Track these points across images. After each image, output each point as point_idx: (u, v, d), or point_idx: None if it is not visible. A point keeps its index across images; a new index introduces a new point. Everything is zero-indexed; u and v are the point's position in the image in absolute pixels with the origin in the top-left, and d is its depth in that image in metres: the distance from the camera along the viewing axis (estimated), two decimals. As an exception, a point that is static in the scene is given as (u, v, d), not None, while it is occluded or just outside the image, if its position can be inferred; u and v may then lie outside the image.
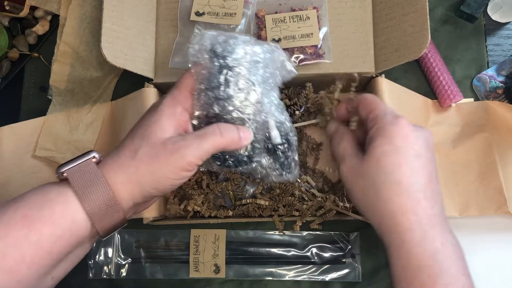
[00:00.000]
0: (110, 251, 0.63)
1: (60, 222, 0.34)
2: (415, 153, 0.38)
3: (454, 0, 0.66)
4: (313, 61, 0.57)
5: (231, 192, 0.58)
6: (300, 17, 0.57)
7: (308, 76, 0.57)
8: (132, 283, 0.63)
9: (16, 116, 0.66)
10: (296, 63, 0.57)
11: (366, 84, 0.60)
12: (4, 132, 0.63)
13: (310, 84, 0.58)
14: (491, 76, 0.64)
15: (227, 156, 0.42)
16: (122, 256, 0.63)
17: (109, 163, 0.37)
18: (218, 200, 0.59)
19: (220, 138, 0.38)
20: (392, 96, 0.56)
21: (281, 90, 0.59)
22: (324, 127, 0.55)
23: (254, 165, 0.44)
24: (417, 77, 0.64)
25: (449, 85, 0.61)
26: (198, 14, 0.58)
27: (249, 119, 0.40)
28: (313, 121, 0.58)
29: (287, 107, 0.58)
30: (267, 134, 0.44)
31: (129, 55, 0.55)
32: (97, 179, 0.35)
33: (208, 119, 0.41)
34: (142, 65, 0.57)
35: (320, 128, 0.61)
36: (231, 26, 0.58)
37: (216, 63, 0.39)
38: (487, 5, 0.64)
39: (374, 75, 0.56)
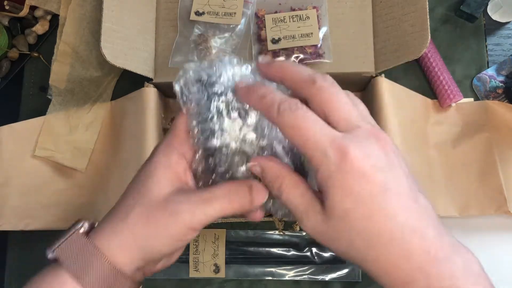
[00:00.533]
0: (110, 251, 0.63)
1: None
2: (382, 188, 0.28)
3: (454, 0, 0.66)
4: (313, 61, 0.57)
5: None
6: (300, 16, 0.57)
7: (308, 76, 0.57)
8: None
9: (16, 115, 0.66)
10: (296, 63, 0.57)
11: (366, 84, 0.60)
12: (3, 132, 0.63)
13: None
14: (491, 76, 0.64)
15: None
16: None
17: (101, 230, 0.33)
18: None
19: (228, 205, 0.32)
20: (392, 96, 0.56)
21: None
22: None
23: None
24: (417, 77, 0.64)
25: (449, 85, 0.61)
26: (198, 13, 0.58)
27: (252, 150, 0.35)
28: None
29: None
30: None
31: (129, 55, 0.55)
32: (89, 251, 0.31)
33: (208, 161, 0.35)
34: (142, 65, 0.57)
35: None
36: (231, 26, 0.58)
37: (204, 92, 0.35)
38: (487, 5, 0.64)
39: (374, 75, 0.56)
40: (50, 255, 0.32)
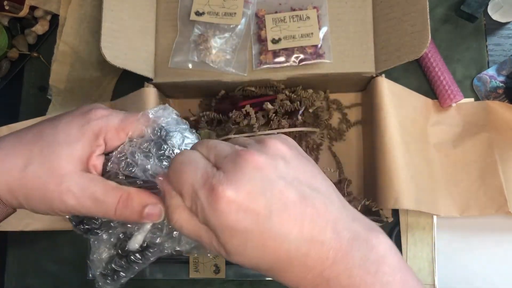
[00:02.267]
0: (110, 251, 0.63)
1: None
2: (265, 212, 0.27)
3: (454, 0, 0.66)
4: (313, 61, 0.57)
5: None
6: (300, 16, 0.57)
7: (308, 76, 0.57)
8: (132, 283, 0.62)
9: (16, 116, 0.66)
10: (296, 63, 0.57)
11: (366, 84, 0.60)
12: (3, 132, 0.62)
13: (311, 90, 0.58)
14: (492, 76, 0.64)
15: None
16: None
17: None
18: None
19: (113, 216, 0.32)
20: (392, 96, 0.56)
21: (281, 90, 0.59)
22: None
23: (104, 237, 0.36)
24: (417, 77, 0.64)
25: (449, 85, 0.61)
26: (198, 13, 0.58)
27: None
28: (312, 129, 0.58)
29: (289, 113, 0.58)
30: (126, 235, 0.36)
31: (129, 55, 0.55)
32: None
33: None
34: (142, 65, 0.57)
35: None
36: (231, 26, 0.58)
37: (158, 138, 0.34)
38: (488, 4, 0.64)
39: (374, 75, 0.56)
40: None
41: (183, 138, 0.35)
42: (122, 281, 0.37)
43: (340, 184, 0.61)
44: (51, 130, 0.33)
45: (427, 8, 0.51)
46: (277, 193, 0.27)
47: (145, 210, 0.31)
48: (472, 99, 0.63)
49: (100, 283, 0.37)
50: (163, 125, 0.34)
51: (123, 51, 0.54)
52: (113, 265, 0.36)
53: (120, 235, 0.36)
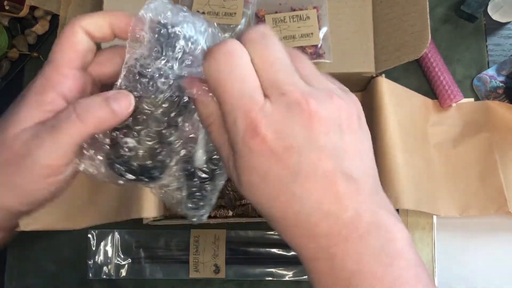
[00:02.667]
0: (109, 251, 0.63)
1: None
2: (292, 171, 0.25)
3: (454, 0, 0.66)
4: (313, 61, 0.57)
5: (231, 192, 0.58)
6: (300, 16, 0.57)
7: (308, 76, 0.57)
8: (132, 283, 0.62)
9: (16, 116, 0.66)
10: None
11: (366, 84, 0.60)
12: (3, 132, 0.62)
13: None
14: (492, 76, 0.64)
15: (123, 166, 0.30)
16: (122, 256, 0.63)
17: None
18: (218, 200, 0.59)
19: (80, 123, 0.27)
20: (392, 96, 0.56)
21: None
22: None
23: (164, 181, 0.32)
24: (417, 77, 0.64)
25: (449, 85, 0.61)
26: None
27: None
28: None
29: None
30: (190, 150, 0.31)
31: (129, 55, 0.55)
32: None
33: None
34: (142, 65, 0.57)
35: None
36: (231, 26, 0.58)
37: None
38: (488, 4, 0.64)
39: (374, 75, 0.56)
40: None
41: (197, 28, 0.29)
42: (205, 208, 0.34)
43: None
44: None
45: (427, 8, 0.51)
46: (314, 157, 0.25)
47: (111, 100, 0.27)
48: (472, 99, 0.63)
49: (191, 218, 0.34)
50: (164, 21, 0.29)
51: (123, 51, 0.54)
52: (191, 201, 0.33)
53: (185, 172, 0.32)
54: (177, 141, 0.31)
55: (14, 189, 0.28)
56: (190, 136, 0.31)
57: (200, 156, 0.32)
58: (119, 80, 0.28)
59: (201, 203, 0.34)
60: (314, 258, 0.26)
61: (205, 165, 0.32)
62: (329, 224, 0.25)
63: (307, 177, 0.25)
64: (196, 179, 0.32)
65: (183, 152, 0.31)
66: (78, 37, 0.29)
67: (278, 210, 0.26)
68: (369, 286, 0.25)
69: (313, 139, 0.25)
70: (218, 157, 0.32)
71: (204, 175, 0.32)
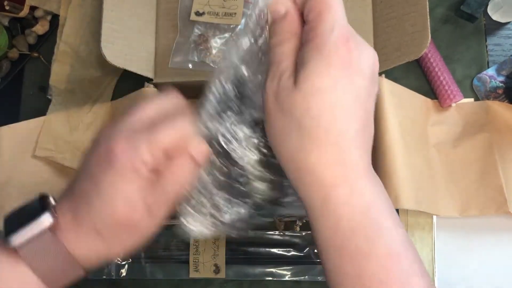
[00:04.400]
0: (110, 251, 0.63)
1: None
2: (356, 93, 0.27)
3: (454, 0, 0.66)
4: (313, 61, 0.57)
5: (231, 192, 0.58)
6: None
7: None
8: (132, 283, 0.62)
9: (16, 116, 0.66)
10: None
11: (366, 84, 0.60)
12: (4, 132, 0.62)
13: None
14: (491, 76, 0.64)
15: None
16: (122, 256, 0.63)
17: (70, 235, 0.31)
18: (218, 200, 0.59)
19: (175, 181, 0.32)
20: (392, 96, 0.56)
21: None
22: None
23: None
24: (417, 77, 0.64)
25: (449, 85, 0.61)
26: (198, 14, 0.58)
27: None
28: None
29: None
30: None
31: (129, 55, 0.55)
32: (56, 252, 0.30)
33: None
34: (142, 65, 0.57)
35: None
36: (231, 26, 0.58)
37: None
38: (488, 4, 0.64)
39: (374, 75, 0.56)
40: (11, 244, 0.30)
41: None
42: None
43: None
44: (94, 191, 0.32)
45: (427, 8, 0.51)
46: (358, 102, 0.28)
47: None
48: (472, 99, 0.63)
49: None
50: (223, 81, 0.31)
51: (123, 51, 0.54)
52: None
53: None
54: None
55: (109, 252, 0.33)
56: None
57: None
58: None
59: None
60: (335, 185, 0.27)
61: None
62: (358, 153, 0.28)
63: (366, 103, 0.29)
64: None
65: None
66: None
67: (327, 123, 0.27)
68: (382, 221, 0.28)
69: (341, 87, 0.28)
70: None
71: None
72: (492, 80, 0.63)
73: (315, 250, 0.61)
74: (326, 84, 0.27)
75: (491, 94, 0.63)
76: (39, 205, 0.32)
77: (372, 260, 0.27)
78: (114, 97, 0.65)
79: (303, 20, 0.30)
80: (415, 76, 0.64)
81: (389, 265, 0.27)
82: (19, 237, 0.30)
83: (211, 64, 0.58)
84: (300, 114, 0.27)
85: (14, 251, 0.30)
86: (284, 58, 0.29)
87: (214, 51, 0.58)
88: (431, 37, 0.51)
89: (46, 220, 0.30)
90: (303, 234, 0.62)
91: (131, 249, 0.34)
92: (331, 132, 0.27)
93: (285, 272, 0.61)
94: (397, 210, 0.60)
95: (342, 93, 0.27)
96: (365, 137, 0.29)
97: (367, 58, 0.28)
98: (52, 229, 0.30)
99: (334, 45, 0.27)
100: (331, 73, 0.27)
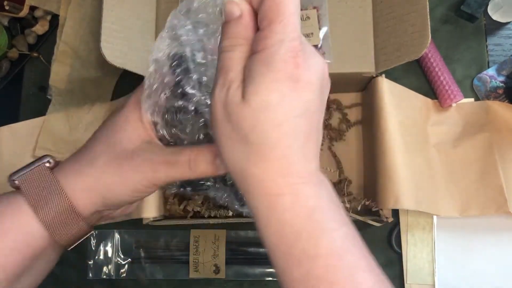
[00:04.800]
0: (109, 251, 0.63)
1: (13, 234, 0.32)
2: (304, 108, 0.28)
3: (455, 0, 0.66)
4: (313, 61, 0.57)
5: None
6: (300, 16, 0.57)
7: (308, 76, 0.57)
8: (132, 283, 0.62)
9: (16, 116, 0.66)
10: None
11: (366, 84, 0.60)
12: (3, 132, 0.62)
13: None
14: (492, 76, 0.63)
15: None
16: (122, 256, 0.63)
17: (66, 169, 0.34)
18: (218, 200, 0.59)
19: (189, 171, 0.33)
20: (392, 96, 0.56)
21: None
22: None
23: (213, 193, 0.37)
24: (418, 77, 0.64)
25: (449, 85, 0.61)
26: (198, 14, 0.58)
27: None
28: None
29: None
30: None
31: (129, 55, 0.55)
32: (52, 186, 0.32)
33: (170, 118, 0.35)
34: (142, 65, 0.57)
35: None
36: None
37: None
38: (488, 4, 0.64)
39: (374, 75, 0.56)
40: (11, 182, 0.33)
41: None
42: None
43: (340, 184, 0.60)
44: (102, 130, 0.35)
45: (427, 8, 0.51)
46: (306, 115, 0.28)
47: (216, 161, 0.33)
48: (472, 99, 0.63)
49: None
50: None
51: (123, 51, 0.54)
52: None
53: None
54: None
55: (115, 188, 0.33)
56: None
57: None
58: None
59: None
60: (279, 194, 0.28)
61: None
62: (304, 163, 0.29)
63: (314, 115, 0.29)
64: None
65: None
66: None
67: (273, 139, 0.27)
68: (326, 222, 0.28)
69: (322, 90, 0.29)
70: None
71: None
72: (492, 80, 0.63)
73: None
74: (273, 101, 0.27)
75: (491, 94, 0.63)
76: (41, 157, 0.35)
77: (318, 261, 0.27)
78: (114, 97, 0.65)
79: (257, 24, 0.29)
80: (415, 76, 0.64)
81: (334, 264, 0.27)
82: (21, 175, 0.33)
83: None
84: (248, 129, 0.27)
85: (18, 200, 0.32)
86: (233, 66, 0.28)
87: (214, 51, 0.58)
88: (431, 37, 0.51)
89: (46, 160, 0.34)
90: (303, 234, 0.62)
91: (120, 202, 0.35)
92: (277, 148, 0.28)
93: (285, 272, 0.61)
94: (397, 210, 0.60)
95: (290, 109, 0.27)
96: (312, 146, 0.30)
97: (316, 70, 0.28)
98: (53, 171, 0.33)
99: (282, 61, 0.27)
100: (278, 88, 0.27)
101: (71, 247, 0.35)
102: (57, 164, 0.35)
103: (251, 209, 0.30)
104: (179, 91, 0.33)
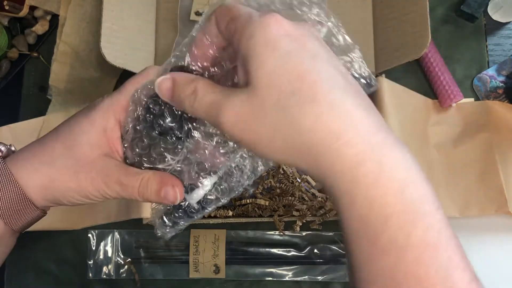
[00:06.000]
0: (109, 251, 0.63)
1: None
2: (313, 52, 0.25)
3: (455, 0, 0.66)
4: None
5: (231, 192, 0.58)
6: (300, 17, 0.57)
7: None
8: (132, 283, 0.62)
9: (16, 116, 0.66)
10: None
11: (366, 84, 0.60)
12: (3, 132, 0.62)
13: None
14: (492, 76, 0.64)
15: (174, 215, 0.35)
16: (122, 256, 0.63)
17: (21, 159, 0.33)
18: (218, 200, 0.59)
19: (137, 197, 0.33)
20: (392, 96, 0.56)
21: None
22: None
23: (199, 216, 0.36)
24: (418, 77, 0.64)
25: (449, 85, 0.61)
26: (198, 14, 0.58)
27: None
28: None
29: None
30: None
31: (129, 55, 0.55)
32: (2, 175, 0.32)
33: (139, 139, 0.34)
34: (142, 65, 0.57)
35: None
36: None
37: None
38: (488, 4, 0.64)
39: (375, 75, 0.56)
40: None
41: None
42: (181, 227, 0.36)
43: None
44: (65, 127, 0.34)
45: (427, 8, 0.51)
46: (323, 58, 0.26)
47: (162, 192, 0.32)
48: (472, 99, 0.63)
49: (158, 230, 0.36)
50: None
51: (123, 51, 0.54)
52: (170, 217, 0.35)
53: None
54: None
55: (68, 193, 0.33)
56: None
57: (197, 196, 0.34)
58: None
59: (176, 225, 0.36)
60: (359, 162, 0.24)
61: (196, 204, 0.35)
62: (364, 112, 0.25)
63: (324, 61, 0.25)
64: (182, 206, 0.35)
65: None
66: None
67: (307, 91, 0.24)
68: (420, 204, 0.24)
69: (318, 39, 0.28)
70: (207, 204, 0.34)
71: (192, 210, 0.35)
72: (492, 80, 0.63)
73: (315, 250, 0.61)
74: (278, 60, 0.24)
75: (491, 94, 0.63)
76: None
77: (408, 253, 0.23)
78: (114, 97, 0.65)
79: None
80: (415, 76, 0.64)
81: (426, 258, 0.23)
82: None
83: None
84: (275, 104, 0.24)
85: None
86: (219, 95, 0.26)
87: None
88: (431, 37, 0.51)
89: None
90: (303, 234, 0.62)
91: (72, 203, 0.34)
92: (317, 99, 0.24)
93: (285, 272, 0.61)
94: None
95: (300, 57, 0.25)
96: (357, 90, 0.27)
97: (302, 27, 0.26)
98: (5, 159, 0.33)
99: (261, 24, 0.25)
100: (276, 47, 0.25)
101: (25, 230, 0.36)
102: (10, 152, 0.35)
103: (330, 192, 0.25)
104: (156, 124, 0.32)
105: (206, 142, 0.31)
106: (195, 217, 0.35)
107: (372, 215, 0.24)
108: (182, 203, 0.34)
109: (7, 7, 0.64)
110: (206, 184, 0.33)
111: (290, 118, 0.24)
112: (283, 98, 0.24)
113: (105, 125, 0.33)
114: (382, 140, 0.24)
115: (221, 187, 0.34)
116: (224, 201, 0.34)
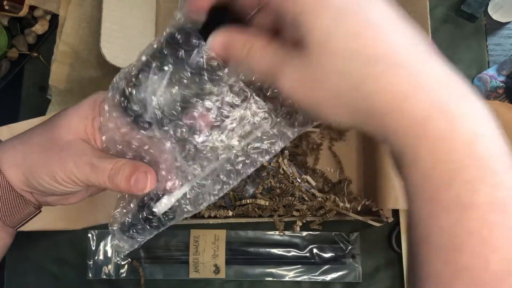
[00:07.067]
0: (109, 251, 0.63)
1: None
2: (363, 2, 0.23)
3: (455, 0, 0.66)
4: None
5: (231, 192, 0.58)
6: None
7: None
8: (132, 283, 0.62)
9: (16, 116, 0.66)
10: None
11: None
12: (3, 132, 0.62)
13: None
14: (492, 75, 0.63)
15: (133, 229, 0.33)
16: (122, 256, 0.63)
17: (5, 143, 0.33)
18: (218, 200, 0.59)
19: (109, 184, 0.32)
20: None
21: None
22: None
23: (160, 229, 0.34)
24: (418, 77, 0.64)
25: (449, 85, 0.61)
26: (198, 13, 0.58)
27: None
28: (312, 129, 0.58)
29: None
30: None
31: (129, 55, 0.55)
32: None
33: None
34: (141, 65, 0.57)
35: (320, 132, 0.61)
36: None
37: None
38: (488, 4, 0.64)
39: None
40: None
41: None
42: (138, 241, 0.34)
43: (340, 184, 0.60)
44: (51, 117, 0.34)
45: (427, 8, 0.51)
46: (378, 5, 0.25)
47: (132, 178, 0.31)
48: (472, 99, 0.63)
49: (115, 242, 0.34)
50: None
51: (123, 51, 0.54)
52: (127, 228, 0.34)
53: (145, 198, 0.33)
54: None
55: (39, 170, 0.32)
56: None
57: (163, 205, 0.32)
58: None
59: (136, 238, 0.34)
60: (425, 116, 0.22)
61: (160, 214, 0.33)
62: (432, 65, 0.24)
63: (379, 6, 0.25)
64: (144, 215, 0.33)
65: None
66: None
67: (367, 50, 0.23)
68: (488, 158, 0.22)
69: None
70: (172, 211, 0.33)
71: (154, 222, 0.33)
72: (493, 80, 0.63)
73: (315, 250, 0.61)
74: (331, 19, 0.23)
75: (492, 94, 0.63)
76: None
77: (472, 212, 0.21)
78: (114, 97, 0.65)
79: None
80: (415, 76, 0.64)
81: (493, 220, 0.21)
82: None
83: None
84: (334, 67, 0.23)
85: None
86: (275, 58, 0.25)
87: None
88: (432, 37, 0.51)
89: None
90: (303, 234, 0.62)
91: (45, 187, 0.33)
92: (378, 55, 0.23)
93: (285, 272, 0.61)
94: (397, 210, 0.60)
95: (355, 15, 0.23)
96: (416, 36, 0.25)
97: None
98: None
99: None
100: (330, 4, 0.23)
101: (19, 227, 0.35)
102: None
103: (391, 147, 0.24)
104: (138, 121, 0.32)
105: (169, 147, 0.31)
106: (154, 231, 0.34)
107: (437, 170, 0.22)
108: (143, 213, 0.33)
109: (7, 7, 0.64)
110: (176, 194, 0.32)
111: (353, 83, 0.23)
112: (342, 60, 0.23)
113: (90, 114, 0.34)
114: (452, 92, 0.23)
115: (189, 197, 0.33)
116: (187, 215, 0.33)
